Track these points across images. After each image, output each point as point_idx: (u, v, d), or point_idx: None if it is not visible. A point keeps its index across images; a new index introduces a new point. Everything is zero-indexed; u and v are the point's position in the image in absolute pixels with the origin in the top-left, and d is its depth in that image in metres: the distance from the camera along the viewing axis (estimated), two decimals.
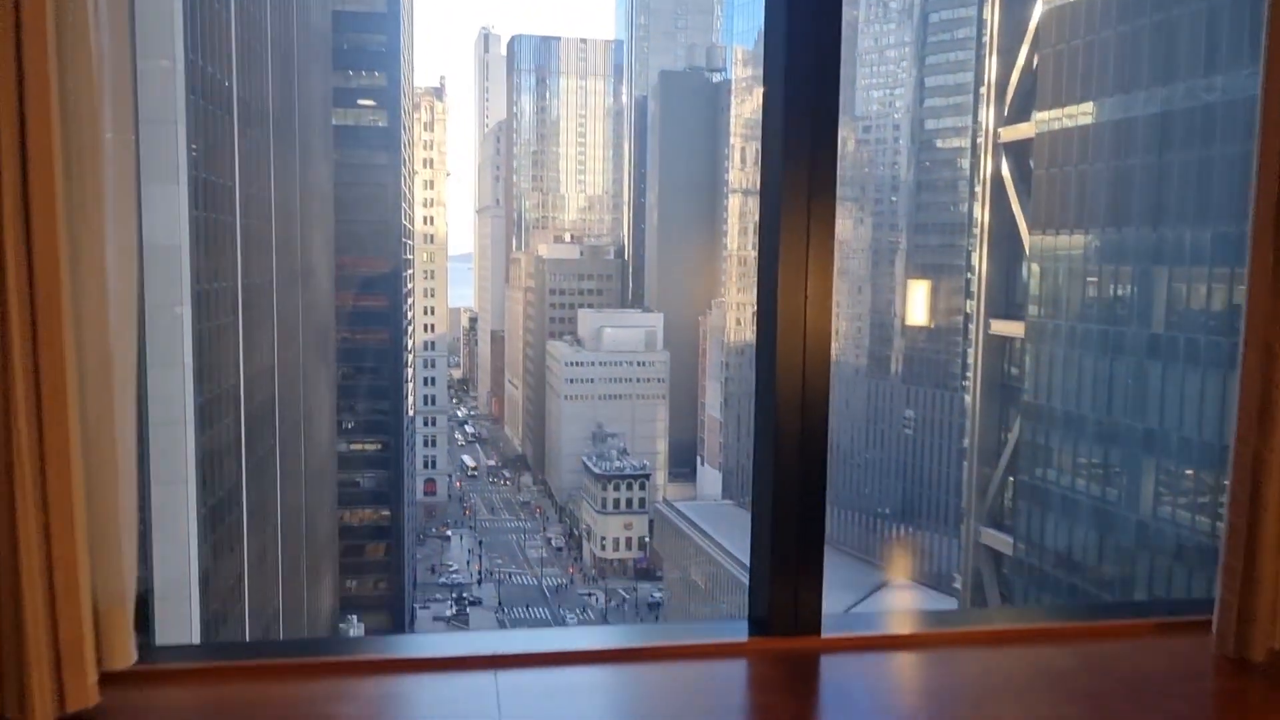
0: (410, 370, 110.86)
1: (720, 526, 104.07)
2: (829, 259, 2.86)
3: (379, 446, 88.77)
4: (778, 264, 2.76)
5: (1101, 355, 44.05)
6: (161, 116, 27.99)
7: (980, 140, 59.20)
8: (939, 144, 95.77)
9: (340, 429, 76.96)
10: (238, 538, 35.33)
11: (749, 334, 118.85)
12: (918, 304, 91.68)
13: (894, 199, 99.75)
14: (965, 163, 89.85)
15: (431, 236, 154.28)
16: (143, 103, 27.83)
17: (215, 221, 31.96)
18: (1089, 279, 45.77)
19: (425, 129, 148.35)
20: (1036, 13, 48.60)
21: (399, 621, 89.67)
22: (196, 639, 29.65)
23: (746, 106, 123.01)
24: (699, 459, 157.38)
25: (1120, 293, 44.09)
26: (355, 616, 76.33)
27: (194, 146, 29.33)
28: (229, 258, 34.10)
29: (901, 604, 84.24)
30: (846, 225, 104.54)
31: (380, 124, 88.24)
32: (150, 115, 27.97)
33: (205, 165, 30.75)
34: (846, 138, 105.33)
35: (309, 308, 53.69)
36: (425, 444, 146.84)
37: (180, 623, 29.05)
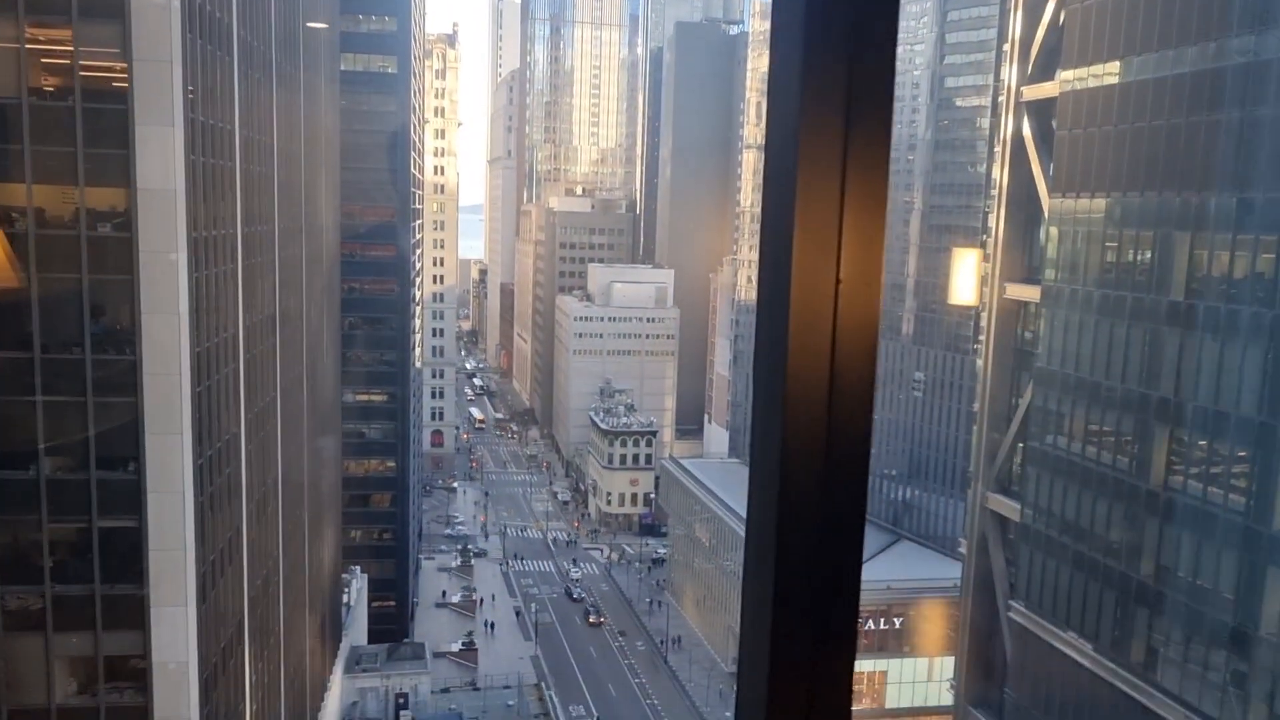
0: (418, 321, 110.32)
1: (726, 484, 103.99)
2: (878, 228, 2.03)
3: (385, 397, 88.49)
4: (791, 235, 1.96)
5: (1119, 322, 43.10)
6: (156, 55, 27.12)
7: (1001, 99, 57.70)
8: (958, 102, 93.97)
9: (346, 379, 76.55)
10: (236, 489, 34.96)
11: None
12: (965, 278, 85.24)
13: (910, 158, 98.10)
14: (985, 122, 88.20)
15: (442, 186, 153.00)
16: (136, 40, 26.93)
17: (214, 166, 31.16)
18: (1109, 244, 44.68)
19: (437, 77, 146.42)
20: None
21: (402, 571, 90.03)
22: (192, 589, 29.40)
23: (764, 60, 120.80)
24: (706, 416, 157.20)
25: (1140, 258, 43.04)
26: (358, 567, 76.53)
27: (191, 88, 28.47)
28: (228, 204, 33.35)
29: (906, 565, 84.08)
30: None
31: (390, 70, 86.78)
32: (145, 54, 27.10)
33: (203, 108, 29.90)
34: None
35: (313, 256, 52.93)
36: (433, 395, 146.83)
37: (175, 575, 28.77)
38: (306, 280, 50.36)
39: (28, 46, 26.93)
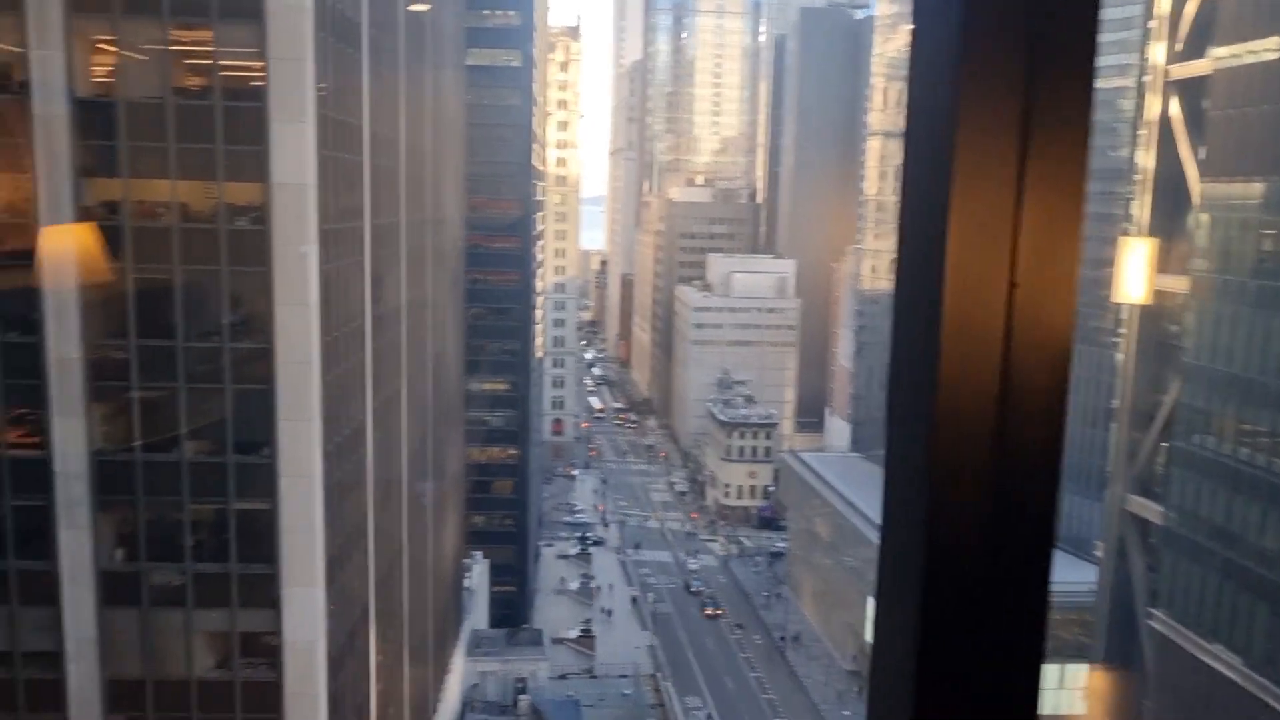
0: (540, 312, 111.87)
1: (848, 479, 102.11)
2: (1070, 223, 1.63)
3: (507, 386, 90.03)
4: (946, 225, 1.57)
5: (1277, 314, 40.33)
6: (291, 54, 27.94)
7: (1147, 79, 54.64)
8: (1099, 84, 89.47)
9: (469, 368, 78.14)
10: (363, 475, 35.96)
11: (885, 281, 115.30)
12: (1135, 271, 75.84)
13: None
14: (1126, 104, 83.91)
15: (564, 178, 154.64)
16: (273, 40, 27.77)
17: (343, 161, 32.00)
18: (1265, 230, 41.82)
19: (560, 69, 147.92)
20: None
21: (522, 557, 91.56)
22: (321, 571, 30.32)
23: (891, 45, 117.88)
24: (827, 409, 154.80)
25: None
26: (480, 553, 78.12)
27: (323, 85, 29.26)
28: (357, 197, 34.23)
29: None
30: None
31: (514, 64, 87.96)
32: (280, 53, 27.95)
33: (334, 104, 30.71)
34: None
35: (439, 248, 54.06)
36: (553, 385, 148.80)
37: (305, 557, 29.74)
38: (432, 271, 51.45)
39: (171, 48, 28.09)
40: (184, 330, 28.89)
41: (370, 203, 36.10)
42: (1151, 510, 48.99)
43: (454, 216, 62.48)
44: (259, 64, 28.02)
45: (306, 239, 28.60)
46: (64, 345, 28.55)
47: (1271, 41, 40.40)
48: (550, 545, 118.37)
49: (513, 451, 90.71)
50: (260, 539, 29.67)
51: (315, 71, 28.53)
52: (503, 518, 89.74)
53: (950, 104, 1.56)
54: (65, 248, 28.27)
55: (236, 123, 28.21)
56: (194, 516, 29.88)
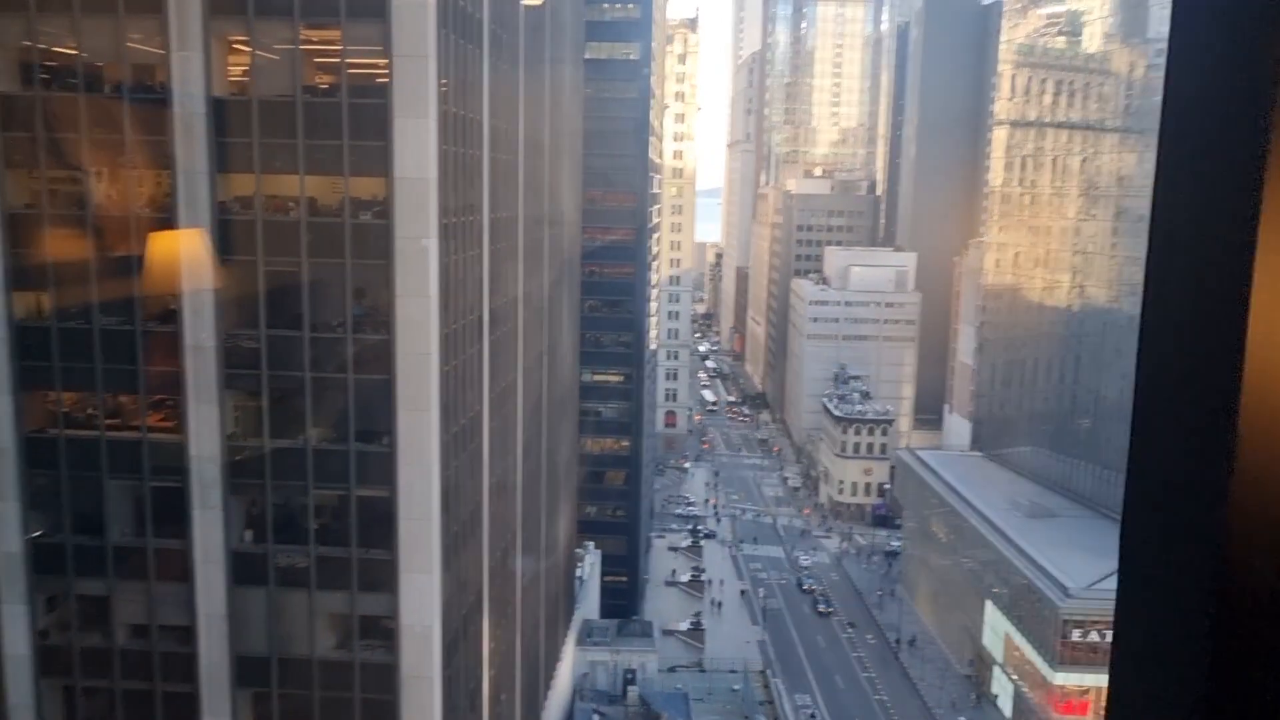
0: (654, 304, 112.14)
1: (968, 479, 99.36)
2: None
3: (621, 378, 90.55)
4: (1256, 229, 1.32)
5: None
6: (414, 51, 28.54)
7: None
8: None
9: (584, 360, 78.84)
10: (479, 464, 36.63)
11: (1010, 276, 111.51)
12: None
13: None
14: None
15: (680, 171, 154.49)
16: (397, 37, 28.39)
17: (463, 156, 32.56)
18: None
19: (678, 61, 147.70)
20: None
21: (633, 548, 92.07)
22: (437, 558, 31.04)
23: (1020, 30, 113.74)
24: (946, 406, 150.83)
25: None
26: (591, 543, 78.87)
27: (444, 81, 29.80)
28: (476, 191, 34.79)
29: None
30: (1129, 160, 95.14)
31: (632, 57, 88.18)
32: (404, 50, 28.57)
33: (455, 99, 31.26)
34: (1135, 62, 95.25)
35: (555, 241, 54.62)
36: (666, 377, 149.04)
37: (423, 544, 30.45)
38: (548, 264, 52.02)
39: (301, 47, 29.01)
40: (310, 321, 29.87)
41: (489, 196, 36.64)
42: None
43: (570, 209, 63.04)
44: (383, 61, 28.70)
45: (428, 232, 29.19)
46: (200, 334, 29.88)
47: None
48: (661, 537, 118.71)
49: (625, 443, 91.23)
50: (380, 525, 30.50)
51: (437, 68, 29.05)
52: (614, 509, 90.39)
53: (1259, 83, 1.31)
54: (201, 242, 29.54)
55: (361, 119, 28.96)
56: (318, 501, 30.91)
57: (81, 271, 30.31)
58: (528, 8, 43.70)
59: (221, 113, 29.24)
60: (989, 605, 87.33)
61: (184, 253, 29.56)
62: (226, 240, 29.69)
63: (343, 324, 30.06)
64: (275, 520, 31.07)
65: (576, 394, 73.02)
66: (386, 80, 28.69)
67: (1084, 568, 77.53)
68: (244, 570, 31.10)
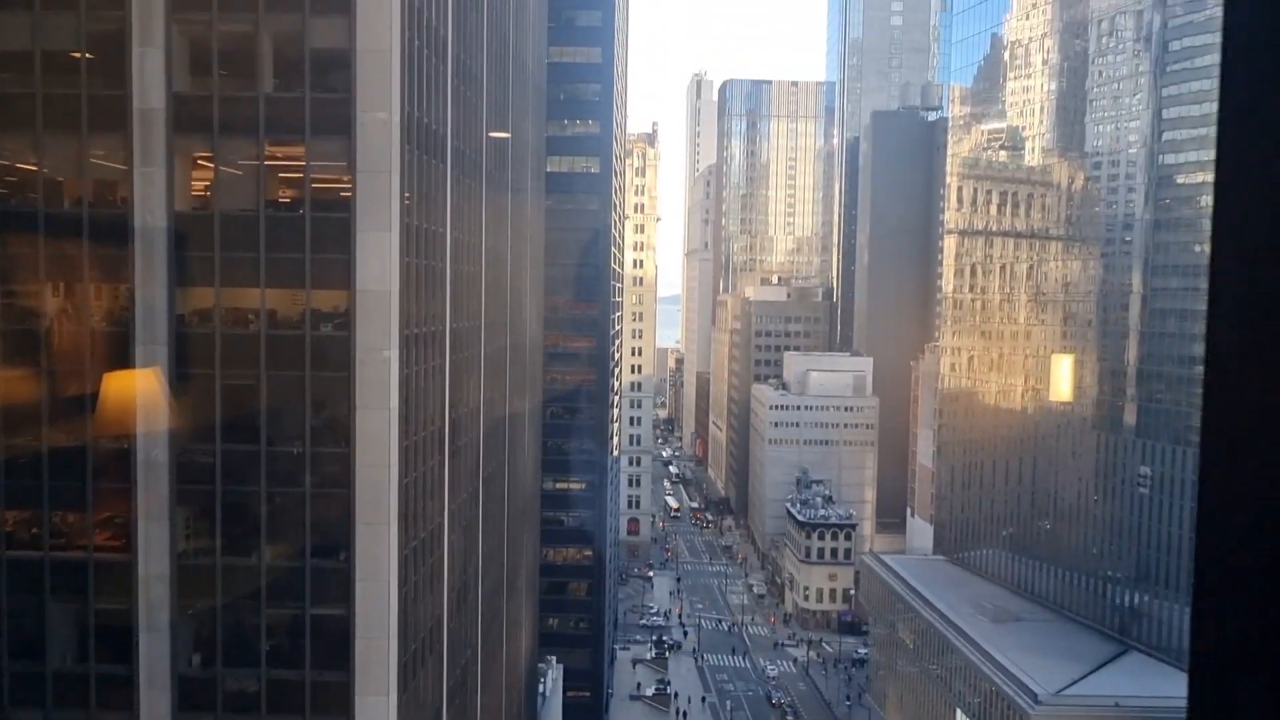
0: (616, 410, 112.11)
1: (932, 583, 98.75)
2: None
3: (584, 485, 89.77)
4: None
5: None
6: (377, 166, 28.94)
7: None
8: (1180, 180, 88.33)
9: (546, 467, 78.18)
10: (439, 578, 35.82)
11: (965, 380, 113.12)
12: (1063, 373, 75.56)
13: (1127, 239, 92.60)
14: (1210, 200, 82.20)
15: (641, 279, 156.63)
16: (361, 153, 28.80)
17: (426, 267, 32.77)
18: None
19: (637, 174, 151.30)
20: None
21: (597, 661, 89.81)
22: (394, 678, 29.99)
23: (964, 145, 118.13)
24: (909, 509, 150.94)
25: None
26: (554, 657, 76.87)
27: (407, 195, 30.17)
28: (438, 302, 34.91)
29: (1137, 680, 76.60)
30: (1074, 266, 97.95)
31: (593, 170, 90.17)
32: (367, 165, 28.96)
33: (418, 212, 31.61)
34: (1074, 175, 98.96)
35: (518, 349, 54.72)
36: (629, 483, 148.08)
37: (379, 664, 29.47)
38: (510, 372, 52.00)
39: (265, 163, 29.32)
40: (267, 435, 29.42)
41: (451, 307, 36.77)
42: None
43: (533, 318, 63.40)
44: (347, 177, 29.03)
45: (388, 344, 29.11)
46: (152, 450, 29.26)
47: None
48: (626, 649, 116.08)
49: (588, 552, 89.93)
50: (335, 645, 29.53)
51: (400, 182, 29.44)
52: (577, 620, 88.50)
53: None
54: (157, 356, 29.20)
55: (324, 232, 29.13)
56: (271, 621, 29.92)
57: (32, 386, 29.76)
58: (490, 122, 44.69)
59: (183, 227, 29.28)
60: (959, 714, 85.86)
61: (139, 368, 29.17)
62: (184, 354, 29.38)
63: (301, 437, 29.64)
64: (226, 642, 29.98)
65: (538, 503, 72.16)
66: (350, 194, 28.99)
67: (1052, 674, 76.73)
68: (191, 696, 29.83)
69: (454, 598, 38.33)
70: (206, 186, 30.02)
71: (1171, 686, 72.95)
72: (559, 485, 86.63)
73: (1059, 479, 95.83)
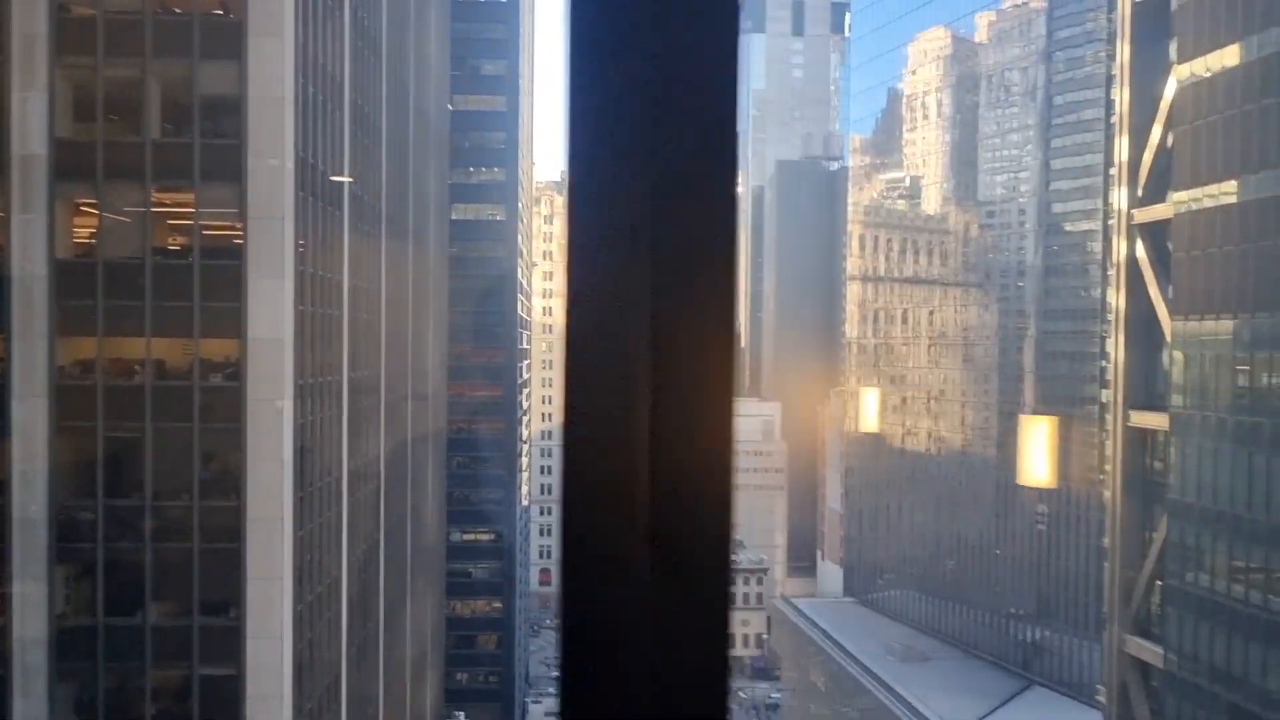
0: (525, 459, 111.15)
1: (842, 626, 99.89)
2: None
3: (492, 536, 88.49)
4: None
5: (1258, 450, 40.29)
6: (270, 213, 28.49)
7: (1112, 223, 56.28)
8: (1067, 227, 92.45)
9: (452, 519, 77.00)
10: (337, 632, 34.82)
11: (869, 423, 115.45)
12: (1039, 453, 79.10)
13: (1020, 284, 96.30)
14: (1096, 246, 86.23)
15: (550, 326, 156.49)
16: (252, 199, 28.36)
17: (322, 315, 32.25)
18: (1239, 367, 42.24)
19: (545, 221, 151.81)
20: (1170, 90, 46.20)
21: (508, 716, 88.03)
22: None
23: (865, 194, 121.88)
24: (819, 553, 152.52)
25: (1275, 381, 40.50)
26: (462, 713, 75.14)
27: (302, 241, 29.75)
28: (335, 351, 34.34)
29: (1039, 715, 78.31)
30: (972, 311, 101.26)
31: (499, 218, 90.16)
32: (259, 212, 28.50)
33: (313, 260, 31.17)
34: (969, 222, 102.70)
35: (420, 398, 54.04)
36: (541, 533, 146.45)
37: None
38: (412, 422, 51.26)
39: (153, 210, 28.64)
40: (152, 489, 28.41)
41: (349, 356, 36.21)
42: (1150, 652, 47.69)
43: (436, 366, 62.73)
44: (238, 223, 28.54)
45: (282, 394, 28.50)
46: (29, 506, 27.98)
47: (1227, 186, 41.81)
48: (538, 702, 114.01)
49: (498, 604, 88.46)
50: (225, 706, 28.42)
51: (295, 229, 29.05)
52: (487, 674, 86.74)
53: None
54: (34, 409, 28.05)
55: (214, 280, 28.51)
56: (156, 683, 28.66)
57: None
58: (390, 169, 44.48)
59: (64, 275, 28.34)
60: None
61: (16, 421, 27.96)
62: (64, 406, 28.27)
63: (189, 491, 28.69)
64: (108, 706, 28.59)
65: (443, 554, 70.92)
66: (241, 241, 28.47)
67: (960, 711, 78.06)
68: None
69: (354, 653, 37.31)
70: (90, 233, 29.16)
71: (1072, 719, 74.85)
72: (466, 537, 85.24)
73: (962, 519, 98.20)
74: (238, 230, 28.66)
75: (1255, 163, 40.29)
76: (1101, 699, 57.25)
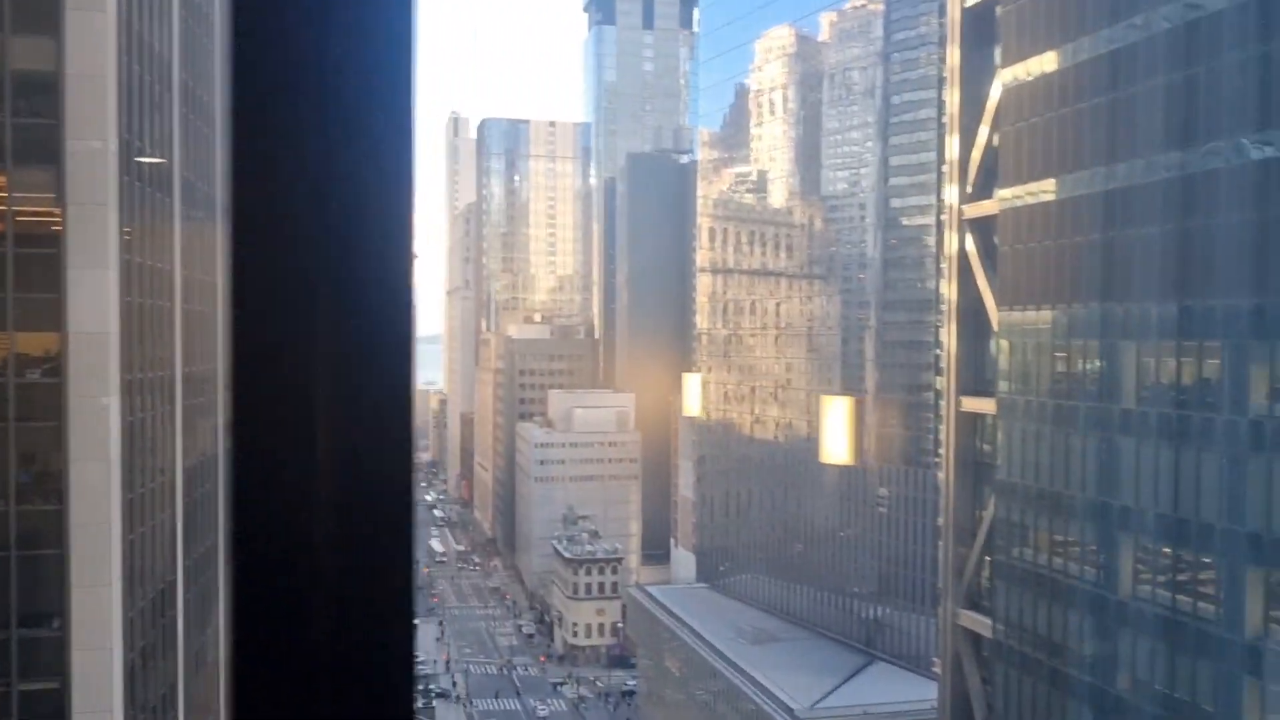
0: None
1: (695, 611, 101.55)
2: None
3: None
4: None
5: (1075, 431, 43.15)
6: (92, 199, 26.84)
7: (945, 218, 59.14)
8: (904, 221, 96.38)
9: None
10: (172, 640, 33.18)
11: (720, 412, 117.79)
12: (838, 431, 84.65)
13: (862, 276, 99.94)
14: (931, 240, 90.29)
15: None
16: (72, 184, 26.67)
17: (151, 307, 30.60)
18: (1058, 354, 45.11)
19: None
20: (996, 92, 48.82)
21: None
22: None
23: (714, 187, 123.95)
24: (673, 540, 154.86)
25: (1090, 368, 43.43)
26: None
27: (128, 230, 28.14)
28: (166, 344, 32.66)
29: (881, 688, 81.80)
30: (818, 302, 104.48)
31: None
32: (80, 198, 26.82)
33: (140, 249, 29.52)
34: (814, 216, 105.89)
35: None
36: None
37: None
38: None
39: None
40: None
41: (182, 349, 34.53)
42: (981, 624, 50.48)
43: None
44: (56, 209, 26.79)
45: (107, 390, 26.94)
46: None
47: (1047, 184, 44.53)
48: None
49: None
50: None
51: (119, 216, 27.47)
52: None
53: None
54: None
55: (30, 270, 26.70)
56: None
57: None
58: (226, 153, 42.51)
59: None
60: None
61: None
62: None
63: (4, 495, 26.80)
64: None
65: None
66: (60, 228, 26.74)
67: (807, 688, 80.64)
68: None
69: (191, 660, 35.69)
70: None
71: (913, 690, 78.51)
72: None
73: (809, 503, 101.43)
74: (55, 216, 26.90)
75: (1072, 163, 43.03)
76: (937, 670, 60.27)
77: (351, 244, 1.47)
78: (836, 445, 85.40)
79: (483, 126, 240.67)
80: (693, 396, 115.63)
